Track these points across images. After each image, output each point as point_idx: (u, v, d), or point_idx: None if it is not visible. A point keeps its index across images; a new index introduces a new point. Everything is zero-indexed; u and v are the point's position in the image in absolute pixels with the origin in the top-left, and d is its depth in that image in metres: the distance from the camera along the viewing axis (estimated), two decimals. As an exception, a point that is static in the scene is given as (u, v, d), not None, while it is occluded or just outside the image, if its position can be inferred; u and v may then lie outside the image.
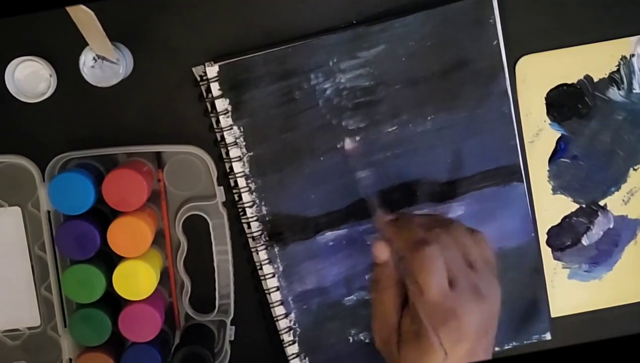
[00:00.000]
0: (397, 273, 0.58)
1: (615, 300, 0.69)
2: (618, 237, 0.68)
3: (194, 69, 0.62)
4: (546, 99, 0.66)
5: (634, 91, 0.66)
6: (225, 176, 0.64)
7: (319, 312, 0.66)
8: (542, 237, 0.68)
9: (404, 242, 0.57)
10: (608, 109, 0.66)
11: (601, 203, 0.68)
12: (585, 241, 0.68)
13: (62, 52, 0.61)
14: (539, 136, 0.66)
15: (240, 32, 0.62)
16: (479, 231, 0.59)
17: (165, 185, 0.64)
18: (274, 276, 0.65)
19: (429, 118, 0.63)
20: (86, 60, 0.59)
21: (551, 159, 0.67)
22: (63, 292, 0.63)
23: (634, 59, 0.65)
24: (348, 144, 0.62)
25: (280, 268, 0.65)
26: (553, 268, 0.68)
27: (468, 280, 0.55)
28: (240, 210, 0.64)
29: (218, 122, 0.62)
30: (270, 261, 0.64)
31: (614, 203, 0.68)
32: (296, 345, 0.66)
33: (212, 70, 0.61)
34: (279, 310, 0.65)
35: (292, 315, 0.66)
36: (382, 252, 0.58)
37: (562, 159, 0.67)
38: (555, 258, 0.68)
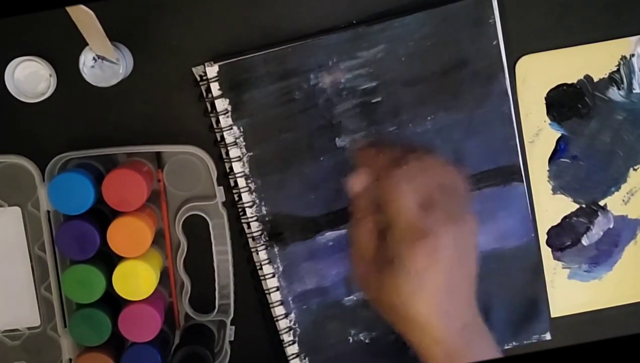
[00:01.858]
0: (372, 204, 0.58)
1: (615, 300, 0.69)
2: (618, 237, 0.68)
3: (194, 69, 0.62)
4: (546, 99, 0.66)
5: (634, 91, 0.66)
6: (225, 176, 0.64)
7: (319, 312, 0.66)
8: (542, 237, 0.68)
9: (378, 164, 0.58)
10: (608, 109, 0.66)
11: (601, 203, 0.68)
12: (585, 241, 0.68)
13: (62, 52, 0.61)
14: (539, 136, 0.66)
15: (240, 32, 0.62)
16: (449, 162, 0.60)
17: (165, 185, 0.64)
18: (274, 276, 0.65)
19: (429, 118, 0.63)
20: (86, 60, 0.59)
21: (551, 159, 0.67)
22: (63, 292, 0.63)
23: (634, 59, 0.65)
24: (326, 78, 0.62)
25: (280, 269, 0.65)
26: (553, 269, 0.68)
27: (441, 203, 0.55)
28: (240, 210, 0.64)
29: (218, 122, 0.62)
30: (270, 261, 0.64)
31: (614, 203, 0.68)
32: (296, 345, 0.66)
33: (212, 70, 0.61)
34: (279, 310, 0.65)
35: (292, 315, 0.66)
36: (356, 182, 0.59)
37: (562, 159, 0.67)
38: (555, 258, 0.68)
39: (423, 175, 0.56)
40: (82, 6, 0.51)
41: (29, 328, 0.66)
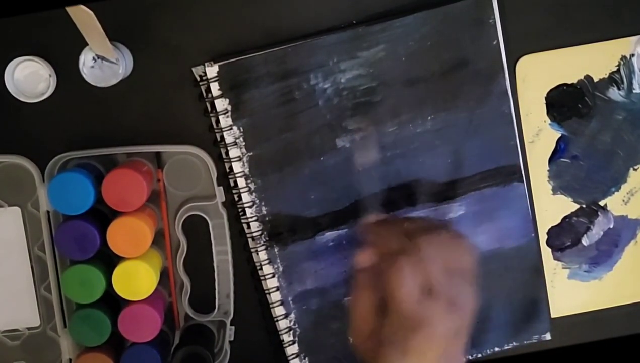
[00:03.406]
0: (375, 281, 0.58)
1: (615, 300, 0.69)
2: (618, 237, 0.68)
3: (193, 69, 0.62)
4: (546, 98, 0.66)
5: (634, 91, 0.66)
6: (225, 176, 0.64)
7: (319, 312, 0.66)
8: (542, 237, 0.68)
9: (382, 249, 0.58)
10: (608, 109, 0.66)
11: (601, 203, 0.68)
12: (585, 241, 0.68)
13: (62, 52, 0.61)
14: (539, 136, 0.66)
15: (240, 32, 0.62)
16: (464, 236, 0.59)
17: (165, 185, 0.64)
18: (273, 276, 0.65)
19: (428, 118, 0.63)
20: (86, 60, 0.59)
21: (551, 159, 0.67)
22: (63, 292, 0.63)
23: (634, 59, 0.65)
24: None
25: (280, 269, 0.65)
26: (553, 269, 0.68)
27: (445, 290, 0.55)
28: (240, 210, 0.64)
29: (218, 122, 0.62)
30: (270, 261, 0.64)
31: (614, 203, 0.68)
32: (296, 345, 0.66)
33: (212, 70, 0.61)
34: (278, 311, 0.65)
35: (292, 316, 0.66)
36: (363, 259, 0.59)
37: (562, 159, 0.67)
38: (555, 258, 0.68)
39: (429, 262, 0.55)
40: (82, 6, 0.51)
41: (28, 329, 0.66)
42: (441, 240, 0.57)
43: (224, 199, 0.64)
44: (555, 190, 0.67)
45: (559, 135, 0.66)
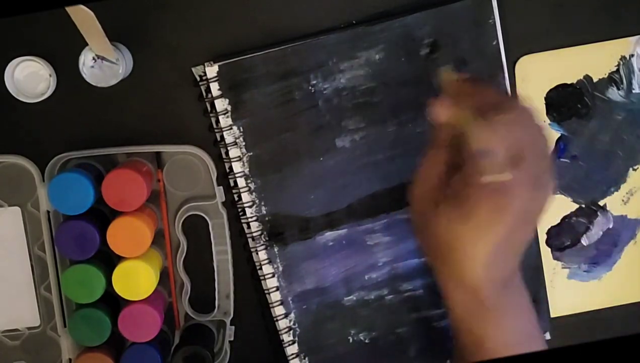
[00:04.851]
0: (452, 137, 0.53)
1: (614, 300, 0.69)
2: (617, 237, 0.68)
3: (193, 69, 0.62)
4: (546, 99, 0.66)
5: (633, 91, 0.66)
6: (225, 176, 0.64)
7: (318, 312, 0.66)
8: (542, 237, 0.68)
9: (474, 102, 0.52)
10: (607, 109, 0.66)
11: (601, 203, 0.68)
12: (584, 241, 0.68)
13: (62, 52, 0.61)
14: (539, 136, 0.66)
15: (240, 32, 0.62)
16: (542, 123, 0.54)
17: (164, 185, 0.64)
18: (273, 276, 0.65)
19: (428, 118, 0.63)
20: (86, 60, 0.59)
21: (551, 159, 0.67)
22: (63, 292, 0.63)
23: (634, 59, 0.65)
24: None
25: (280, 268, 0.65)
26: (552, 269, 0.68)
27: (528, 164, 0.50)
28: (239, 210, 0.64)
29: (218, 122, 0.62)
30: (270, 261, 0.65)
31: (614, 203, 0.68)
32: (296, 345, 0.66)
33: (212, 70, 0.61)
34: (278, 310, 0.65)
35: (292, 315, 0.66)
36: (442, 111, 0.53)
37: (562, 159, 0.67)
38: (555, 258, 0.68)
39: (521, 130, 0.50)
40: (82, 6, 0.51)
41: (28, 328, 0.66)
42: (530, 114, 0.53)
43: (224, 199, 0.64)
44: (554, 190, 0.67)
45: (559, 135, 0.66)
